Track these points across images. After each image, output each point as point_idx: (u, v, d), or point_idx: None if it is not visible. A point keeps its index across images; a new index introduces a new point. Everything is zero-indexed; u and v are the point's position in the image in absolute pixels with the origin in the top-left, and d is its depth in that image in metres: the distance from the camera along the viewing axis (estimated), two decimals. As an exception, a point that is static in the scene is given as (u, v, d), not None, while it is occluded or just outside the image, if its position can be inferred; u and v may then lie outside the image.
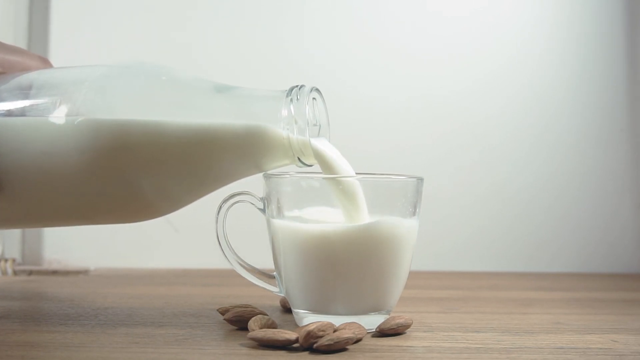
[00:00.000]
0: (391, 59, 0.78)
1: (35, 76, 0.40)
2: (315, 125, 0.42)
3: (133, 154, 0.38)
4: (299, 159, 0.40)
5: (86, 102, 0.37)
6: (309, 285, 0.41)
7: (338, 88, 0.76)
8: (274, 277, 0.44)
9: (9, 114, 0.38)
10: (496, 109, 0.78)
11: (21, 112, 0.38)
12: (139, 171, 0.38)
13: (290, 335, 0.37)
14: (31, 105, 0.38)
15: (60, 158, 0.37)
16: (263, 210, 0.43)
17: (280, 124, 0.39)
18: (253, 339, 0.37)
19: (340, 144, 0.75)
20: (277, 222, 0.42)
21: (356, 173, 0.43)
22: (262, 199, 0.43)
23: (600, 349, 0.38)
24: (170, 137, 0.38)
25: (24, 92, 0.39)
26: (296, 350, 0.37)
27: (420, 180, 0.43)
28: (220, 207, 0.44)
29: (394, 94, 0.77)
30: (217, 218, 0.44)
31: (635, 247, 0.77)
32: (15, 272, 0.69)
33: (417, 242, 0.43)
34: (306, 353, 0.36)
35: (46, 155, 0.37)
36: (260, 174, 0.44)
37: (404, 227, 0.41)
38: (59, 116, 0.37)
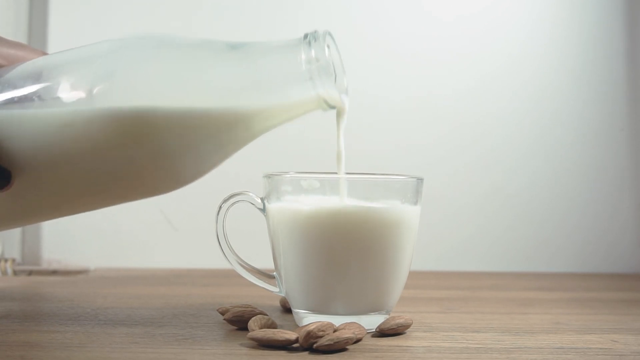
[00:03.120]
0: (391, 59, 0.78)
1: (43, 62, 0.40)
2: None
3: (156, 140, 0.37)
4: (325, 101, 0.39)
5: (100, 87, 0.37)
6: (309, 285, 0.41)
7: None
8: (274, 277, 0.44)
9: (24, 100, 0.38)
10: (496, 109, 0.78)
11: (37, 99, 0.38)
12: (164, 156, 0.38)
13: (290, 335, 0.37)
14: (46, 91, 0.38)
15: (78, 144, 0.37)
16: (263, 210, 0.43)
17: (302, 68, 0.38)
18: (253, 339, 0.37)
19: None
20: (276, 206, 0.42)
21: (356, 173, 0.43)
22: (262, 199, 0.43)
23: (600, 349, 0.38)
24: (195, 121, 0.37)
25: (35, 78, 0.38)
26: (296, 350, 0.37)
27: (420, 180, 0.43)
28: (220, 207, 0.44)
29: (393, 94, 0.77)
30: (217, 218, 0.44)
31: (635, 247, 0.77)
32: (15, 272, 0.69)
33: (417, 243, 0.43)
34: (306, 353, 0.36)
35: (64, 142, 0.37)
36: (260, 174, 0.44)
37: (406, 213, 0.41)
38: (74, 102, 0.37)
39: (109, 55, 0.38)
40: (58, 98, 0.37)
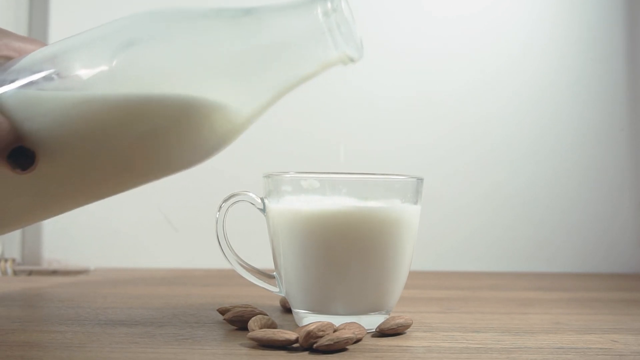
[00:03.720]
0: (391, 59, 0.78)
1: (58, 45, 0.40)
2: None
3: (173, 128, 0.37)
4: (346, 55, 0.39)
5: (118, 64, 0.37)
6: (309, 285, 0.41)
7: (338, 89, 0.76)
8: (274, 277, 0.44)
9: (42, 81, 0.38)
10: (496, 109, 0.78)
11: (56, 77, 0.38)
12: (185, 141, 0.38)
13: (290, 335, 0.37)
14: (65, 69, 0.38)
15: (97, 122, 0.37)
16: (263, 210, 0.43)
17: (320, 21, 0.38)
18: (253, 339, 0.37)
19: (340, 144, 0.75)
20: (276, 206, 0.42)
21: (356, 173, 0.43)
22: (262, 199, 0.43)
23: (600, 349, 0.38)
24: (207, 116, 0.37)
25: (50, 60, 0.38)
26: (296, 350, 0.37)
27: (420, 180, 0.43)
28: (220, 207, 0.43)
29: (394, 94, 0.77)
30: (217, 218, 0.44)
31: (635, 247, 0.77)
32: (15, 272, 0.69)
33: (417, 243, 0.43)
34: (306, 353, 0.36)
35: (84, 121, 0.37)
36: (260, 174, 0.44)
37: (406, 212, 0.41)
38: (92, 80, 0.37)
39: (126, 32, 0.38)
40: (77, 76, 0.37)
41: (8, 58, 0.40)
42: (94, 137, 0.37)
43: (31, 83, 0.37)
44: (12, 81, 0.37)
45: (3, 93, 0.37)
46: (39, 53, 0.39)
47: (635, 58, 0.78)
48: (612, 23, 0.79)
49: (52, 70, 0.38)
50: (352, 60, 0.40)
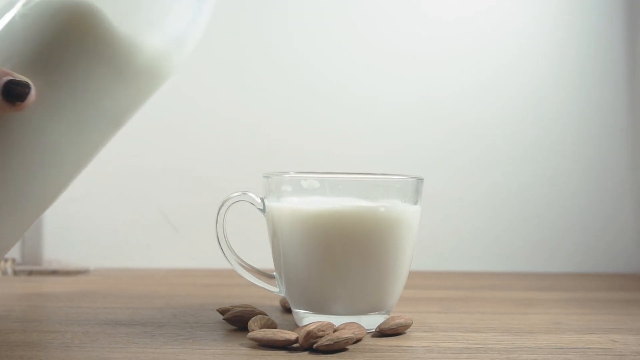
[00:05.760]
0: (391, 61, 0.77)
1: None
2: None
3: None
4: None
5: None
6: (309, 285, 0.41)
7: (339, 90, 0.76)
8: (274, 277, 0.44)
9: None
10: (496, 109, 0.78)
11: None
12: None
13: (290, 335, 0.37)
14: None
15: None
16: (263, 210, 0.43)
17: None
18: (253, 339, 0.37)
19: (340, 144, 0.75)
20: (276, 206, 0.42)
21: (356, 173, 0.43)
22: (262, 199, 0.43)
23: (600, 349, 0.38)
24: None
25: None
26: (296, 350, 0.37)
27: (420, 180, 0.43)
28: (220, 207, 0.44)
29: (394, 94, 0.77)
30: (217, 218, 0.44)
31: (635, 247, 0.77)
32: (15, 272, 0.69)
33: (417, 243, 0.43)
34: (306, 353, 0.36)
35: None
36: (260, 175, 0.44)
37: (406, 212, 0.41)
38: None
39: None
40: None
41: None
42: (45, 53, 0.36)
43: None
44: None
45: None
46: None
47: (635, 58, 0.78)
48: (612, 23, 0.79)
49: None
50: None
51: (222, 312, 0.44)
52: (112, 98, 0.39)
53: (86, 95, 0.38)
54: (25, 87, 0.35)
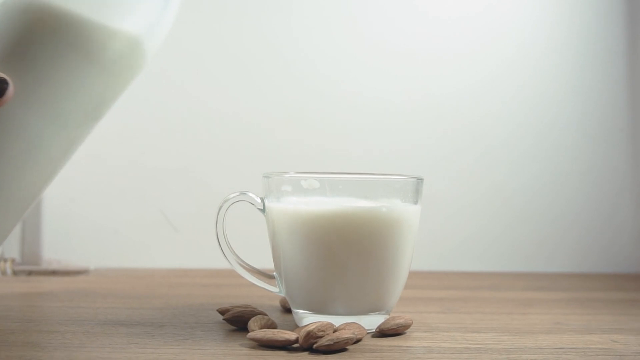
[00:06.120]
0: (392, 61, 0.77)
1: None
2: None
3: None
4: None
5: None
6: (309, 285, 0.41)
7: (339, 91, 0.76)
8: (274, 277, 0.44)
9: None
10: (496, 109, 0.78)
11: None
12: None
13: (290, 335, 0.37)
14: None
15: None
16: (263, 210, 0.43)
17: None
18: (253, 339, 0.37)
19: (340, 144, 0.75)
20: (276, 206, 0.42)
21: (356, 173, 0.43)
22: (262, 199, 0.43)
23: (600, 349, 0.38)
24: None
25: None
26: (296, 350, 0.37)
27: (420, 180, 0.43)
28: (220, 207, 0.43)
29: (394, 94, 0.77)
30: (217, 218, 0.43)
31: (635, 246, 0.77)
32: (14, 272, 0.69)
33: (417, 243, 0.43)
34: (306, 353, 0.36)
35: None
36: (260, 175, 0.44)
37: (406, 212, 0.41)
38: None
39: None
40: None
41: None
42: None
43: None
44: None
45: None
46: None
47: (635, 58, 0.78)
48: (612, 23, 0.79)
49: None
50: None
51: (222, 312, 0.44)
52: (89, 89, 0.39)
53: (63, 87, 0.38)
54: (3, 82, 0.35)
